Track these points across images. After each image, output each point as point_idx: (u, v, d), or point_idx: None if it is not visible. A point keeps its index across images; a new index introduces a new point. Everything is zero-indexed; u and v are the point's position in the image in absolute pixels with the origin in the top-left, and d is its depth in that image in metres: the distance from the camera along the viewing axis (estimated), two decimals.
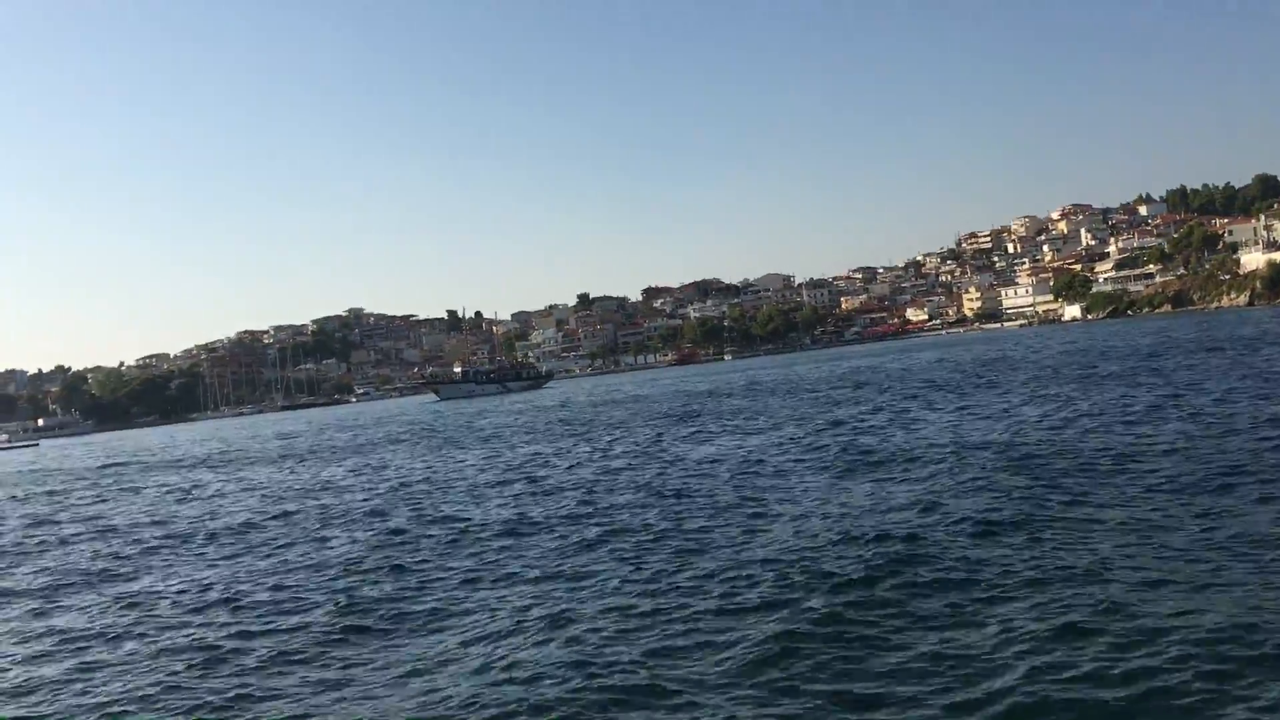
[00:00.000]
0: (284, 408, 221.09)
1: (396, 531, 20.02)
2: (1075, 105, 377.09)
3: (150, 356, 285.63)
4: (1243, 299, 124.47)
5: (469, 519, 20.69)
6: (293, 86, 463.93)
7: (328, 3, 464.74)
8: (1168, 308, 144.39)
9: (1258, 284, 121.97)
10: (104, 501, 35.56)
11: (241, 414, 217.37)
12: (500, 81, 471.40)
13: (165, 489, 38.24)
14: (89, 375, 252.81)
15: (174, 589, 16.39)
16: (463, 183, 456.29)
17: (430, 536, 19.00)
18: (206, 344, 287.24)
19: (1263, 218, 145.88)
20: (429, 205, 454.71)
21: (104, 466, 60.29)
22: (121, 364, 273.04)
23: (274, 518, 24.60)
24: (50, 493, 43.12)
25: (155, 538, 23.22)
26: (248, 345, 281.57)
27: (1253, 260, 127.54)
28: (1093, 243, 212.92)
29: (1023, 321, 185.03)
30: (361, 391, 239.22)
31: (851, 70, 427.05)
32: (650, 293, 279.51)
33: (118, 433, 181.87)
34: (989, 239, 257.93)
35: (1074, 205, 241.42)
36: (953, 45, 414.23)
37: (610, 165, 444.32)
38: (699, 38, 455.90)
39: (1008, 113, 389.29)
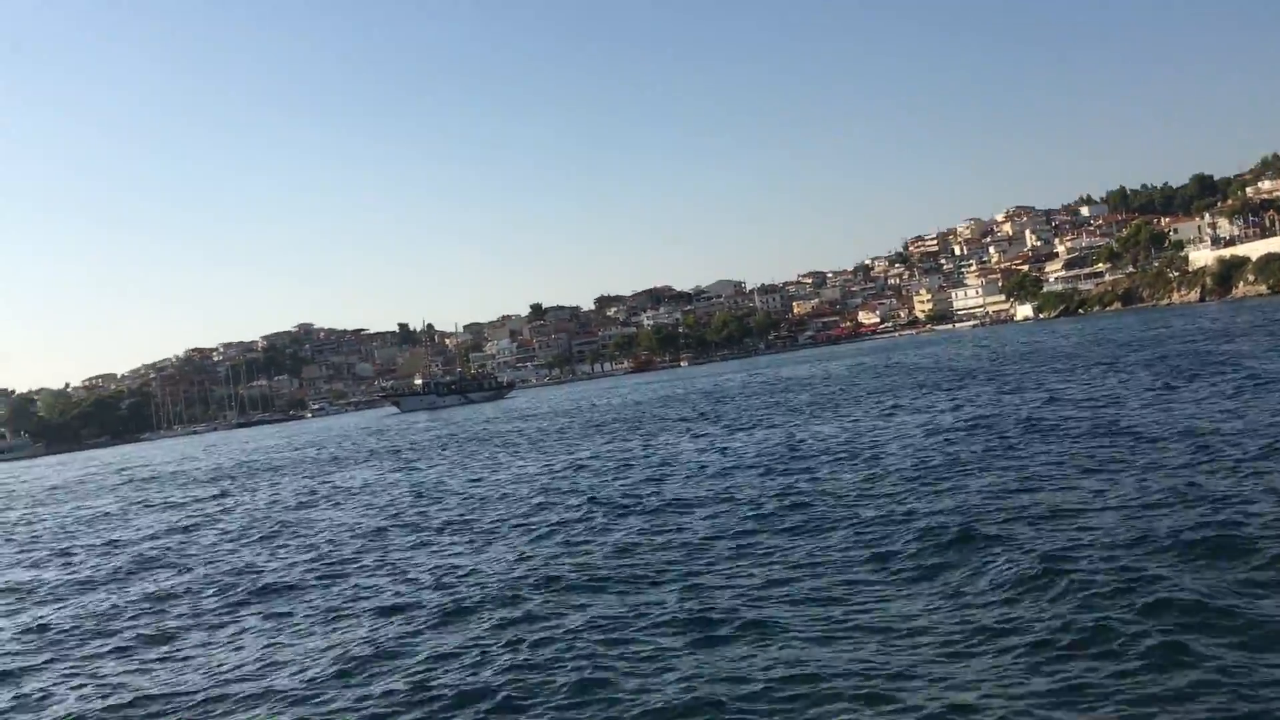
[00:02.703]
0: (238, 425, 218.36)
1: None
2: (1014, 108, 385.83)
3: (97, 377, 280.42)
4: (1193, 295, 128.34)
5: None
6: (235, 104, 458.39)
7: (267, 20, 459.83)
8: (1118, 305, 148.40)
9: (1208, 280, 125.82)
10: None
11: (195, 433, 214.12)
12: (446, 93, 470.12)
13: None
14: (35, 397, 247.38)
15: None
16: (410, 195, 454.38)
17: None
18: (154, 363, 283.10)
19: (1207, 215, 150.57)
20: (377, 218, 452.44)
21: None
22: (67, 385, 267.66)
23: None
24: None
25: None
26: (197, 363, 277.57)
27: (1201, 257, 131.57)
28: (1038, 244, 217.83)
29: (974, 322, 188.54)
30: (317, 407, 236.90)
31: (793, 79, 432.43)
32: (603, 301, 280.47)
33: (73, 454, 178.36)
34: (935, 242, 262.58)
35: (1018, 207, 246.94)
36: (892, 52, 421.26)
37: (558, 174, 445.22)
38: (645, 47, 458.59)
39: (949, 117, 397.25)
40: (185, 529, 28.59)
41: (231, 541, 24.38)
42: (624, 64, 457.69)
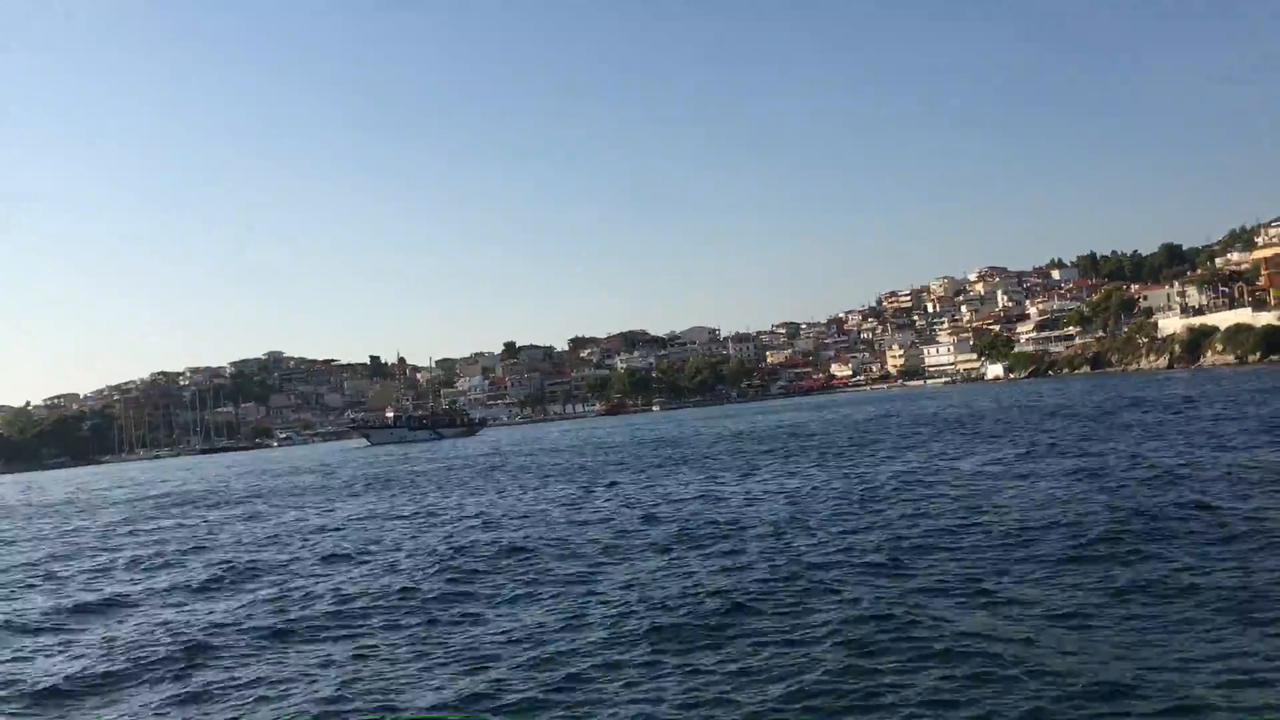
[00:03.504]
0: (202, 451, 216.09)
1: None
2: (990, 170, 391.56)
3: (59, 396, 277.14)
4: (1162, 362, 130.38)
5: None
6: (209, 125, 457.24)
7: (247, 46, 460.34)
8: (1086, 369, 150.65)
9: (1177, 348, 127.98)
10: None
11: (158, 457, 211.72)
12: (425, 129, 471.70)
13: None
14: None
15: None
16: (387, 228, 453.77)
17: None
18: (119, 384, 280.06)
19: (1176, 284, 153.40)
20: (352, 249, 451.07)
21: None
22: (28, 403, 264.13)
23: None
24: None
25: None
26: (163, 387, 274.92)
27: (1170, 325, 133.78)
28: (1009, 304, 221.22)
29: (946, 379, 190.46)
30: (283, 436, 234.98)
31: (771, 130, 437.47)
32: (577, 343, 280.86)
33: (35, 474, 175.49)
34: (909, 298, 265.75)
35: (990, 268, 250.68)
36: (869, 110, 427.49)
37: (534, 215, 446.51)
38: (622, 93, 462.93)
39: (925, 175, 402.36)
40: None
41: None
42: (602, 109, 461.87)
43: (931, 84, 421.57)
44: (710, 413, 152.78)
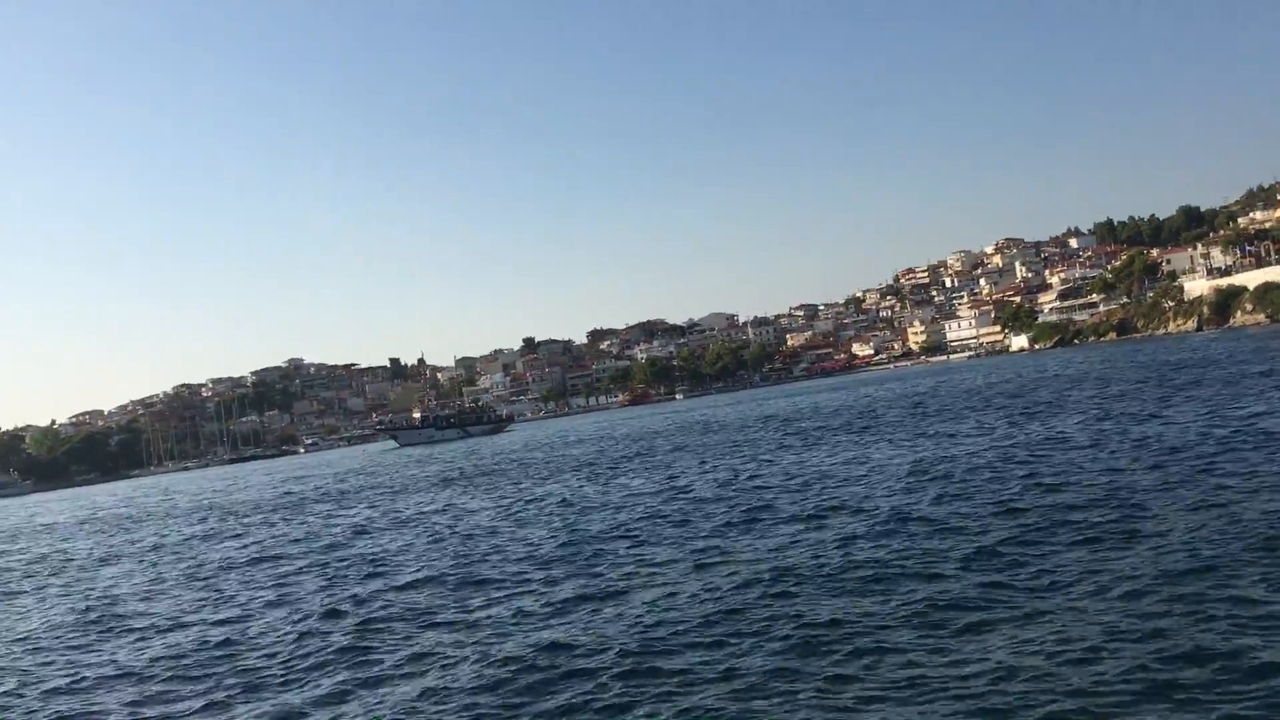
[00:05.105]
0: (230, 461, 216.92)
1: None
2: (1001, 141, 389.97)
3: (84, 414, 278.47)
4: (1190, 325, 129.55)
5: None
6: (224, 139, 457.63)
7: (259, 57, 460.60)
8: (1113, 335, 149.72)
9: (1205, 310, 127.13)
10: None
11: (187, 469, 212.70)
12: (436, 128, 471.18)
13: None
14: (22, 434, 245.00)
15: None
16: (400, 229, 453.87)
17: None
18: (142, 399, 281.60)
19: (1199, 246, 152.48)
20: (367, 252, 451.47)
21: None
22: (54, 422, 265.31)
23: None
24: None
25: None
26: (186, 399, 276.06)
27: (1197, 287, 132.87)
28: (1028, 275, 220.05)
29: (969, 353, 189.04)
30: (310, 442, 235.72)
31: (782, 111, 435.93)
32: (596, 335, 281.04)
33: (64, 491, 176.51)
34: (926, 274, 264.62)
35: (1007, 239, 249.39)
36: (880, 86, 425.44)
37: (548, 208, 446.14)
38: (635, 81, 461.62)
39: (937, 150, 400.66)
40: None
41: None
42: (614, 100, 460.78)
43: (939, 54, 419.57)
44: (754, 395, 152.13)
